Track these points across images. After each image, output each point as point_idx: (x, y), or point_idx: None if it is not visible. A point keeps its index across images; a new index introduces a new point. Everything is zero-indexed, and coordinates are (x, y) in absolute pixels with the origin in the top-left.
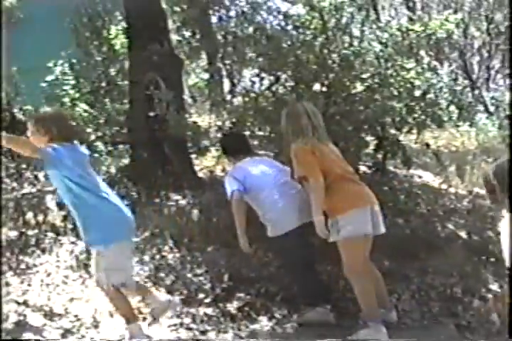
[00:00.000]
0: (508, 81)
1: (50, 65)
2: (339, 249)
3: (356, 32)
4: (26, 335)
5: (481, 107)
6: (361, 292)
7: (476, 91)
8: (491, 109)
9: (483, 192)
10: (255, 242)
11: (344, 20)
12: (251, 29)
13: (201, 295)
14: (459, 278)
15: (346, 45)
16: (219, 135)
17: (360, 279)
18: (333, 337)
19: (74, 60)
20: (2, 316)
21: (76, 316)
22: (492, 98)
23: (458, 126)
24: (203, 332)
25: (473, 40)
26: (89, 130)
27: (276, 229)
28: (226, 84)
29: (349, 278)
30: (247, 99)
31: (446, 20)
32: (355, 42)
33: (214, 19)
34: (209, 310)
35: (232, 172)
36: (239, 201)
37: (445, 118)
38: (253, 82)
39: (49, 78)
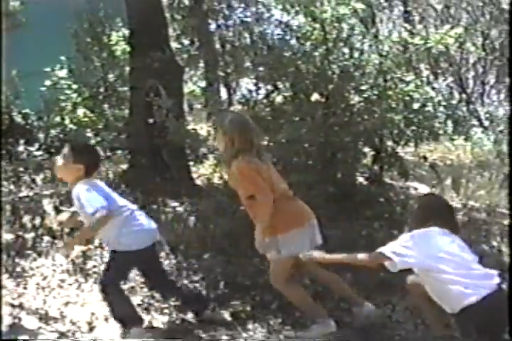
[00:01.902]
0: (502, 96)
1: (49, 69)
2: (272, 263)
3: (357, 44)
4: (21, 338)
5: (475, 122)
6: (294, 298)
7: (471, 106)
8: (486, 123)
9: (477, 205)
10: (252, 250)
11: (345, 32)
12: (250, 39)
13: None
14: None
15: (346, 56)
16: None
17: (288, 287)
18: None
19: (73, 65)
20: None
21: (71, 320)
22: (487, 113)
23: (453, 139)
24: (197, 340)
25: (468, 55)
26: (88, 135)
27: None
28: (223, 93)
29: (277, 288)
30: (245, 107)
31: (446, 34)
32: (356, 54)
33: (213, 28)
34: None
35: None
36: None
37: (441, 132)
38: (250, 91)
39: (48, 82)
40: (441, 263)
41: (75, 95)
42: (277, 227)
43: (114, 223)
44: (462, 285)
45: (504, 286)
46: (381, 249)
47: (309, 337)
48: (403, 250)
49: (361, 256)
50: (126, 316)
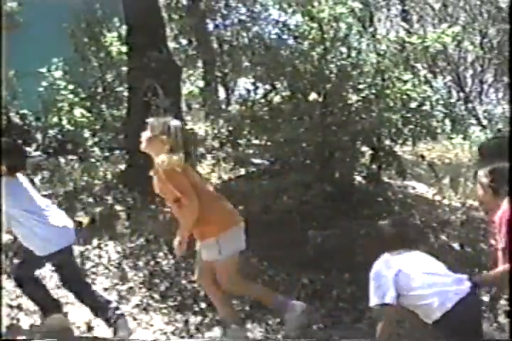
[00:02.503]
0: (500, 94)
1: (46, 70)
2: (217, 266)
3: (354, 43)
4: (19, 339)
5: (473, 120)
6: (250, 293)
7: (469, 105)
8: (484, 122)
9: (476, 204)
10: (249, 250)
11: (342, 31)
12: (248, 38)
13: (195, 302)
14: None
15: (344, 55)
16: (215, 143)
17: (246, 285)
18: None
19: (71, 66)
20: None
21: (70, 320)
22: (485, 111)
23: (451, 138)
24: (196, 339)
25: (466, 54)
26: (85, 135)
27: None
28: (221, 93)
29: (233, 291)
30: (243, 107)
31: (443, 33)
32: (353, 53)
33: (211, 28)
34: (202, 317)
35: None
36: None
37: (439, 131)
38: (248, 91)
39: (46, 83)
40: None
41: (71, 96)
42: (215, 228)
43: (27, 223)
44: (436, 296)
45: (476, 289)
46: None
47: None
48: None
49: None
50: (44, 304)
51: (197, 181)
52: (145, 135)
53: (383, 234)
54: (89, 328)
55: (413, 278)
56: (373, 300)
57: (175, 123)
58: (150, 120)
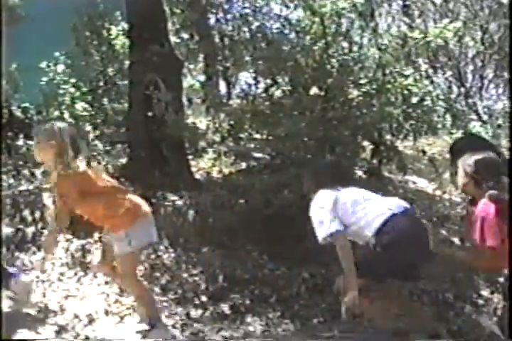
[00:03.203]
0: (501, 90)
1: (49, 63)
2: (119, 261)
3: (356, 38)
4: (20, 331)
5: (474, 116)
6: (139, 294)
7: (470, 100)
8: (484, 117)
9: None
10: (250, 244)
11: (344, 26)
12: (249, 33)
13: (196, 296)
14: (451, 284)
15: (345, 50)
16: (216, 137)
17: (138, 285)
18: (326, 338)
19: (72, 59)
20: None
21: (71, 313)
22: (485, 107)
23: (452, 133)
24: (196, 333)
25: (467, 50)
26: (87, 129)
27: None
28: (222, 87)
29: (130, 285)
30: (244, 101)
31: (445, 28)
32: (355, 48)
33: (212, 22)
34: (203, 311)
35: None
36: None
37: (439, 126)
38: (250, 85)
39: (47, 76)
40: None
41: (73, 89)
42: (124, 221)
43: None
44: (370, 218)
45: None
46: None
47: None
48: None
49: None
50: None
51: (98, 178)
52: (34, 144)
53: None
54: (91, 321)
55: (350, 206)
56: (321, 235)
57: (61, 125)
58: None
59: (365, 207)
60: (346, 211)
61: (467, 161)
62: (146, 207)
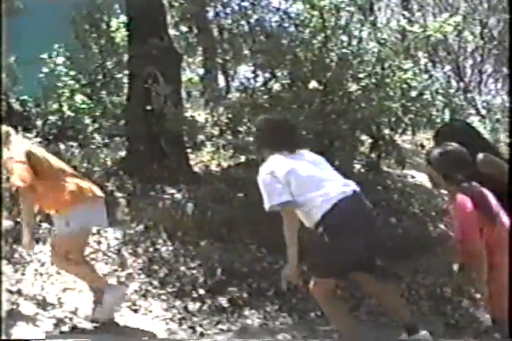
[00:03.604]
0: (500, 85)
1: (47, 56)
2: (56, 241)
3: (355, 31)
4: (19, 324)
5: (472, 110)
6: (82, 274)
7: (469, 95)
8: (483, 112)
9: None
10: (249, 238)
11: (343, 19)
12: (248, 26)
13: (194, 289)
14: (449, 278)
15: (345, 44)
16: (215, 130)
17: (83, 266)
18: (324, 331)
19: (71, 52)
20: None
21: (69, 306)
22: (484, 101)
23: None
24: (195, 326)
25: (466, 44)
26: (86, 122)
27: None
28: (221, 80)
29: (60, 266)
30: (243, 95)
31: (445, 22)
32: (354, 42)
33: (211, 15)
34: (201, 304)
35: None
36: None
37: (438, 120)
38: (248, 79)
39: (46, 69)
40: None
41: (72, 82)
42: (65, 202)
43: None
44: (319, 199)
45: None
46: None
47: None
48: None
49: None
50: None
51: (45, 160)
52: None
53: None
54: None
55: (303, 184)
56: (270, 202)
57: None
58: None
59: (317, 188)
60: (299, 188)
61: (432, 155)
62: (96, 192)
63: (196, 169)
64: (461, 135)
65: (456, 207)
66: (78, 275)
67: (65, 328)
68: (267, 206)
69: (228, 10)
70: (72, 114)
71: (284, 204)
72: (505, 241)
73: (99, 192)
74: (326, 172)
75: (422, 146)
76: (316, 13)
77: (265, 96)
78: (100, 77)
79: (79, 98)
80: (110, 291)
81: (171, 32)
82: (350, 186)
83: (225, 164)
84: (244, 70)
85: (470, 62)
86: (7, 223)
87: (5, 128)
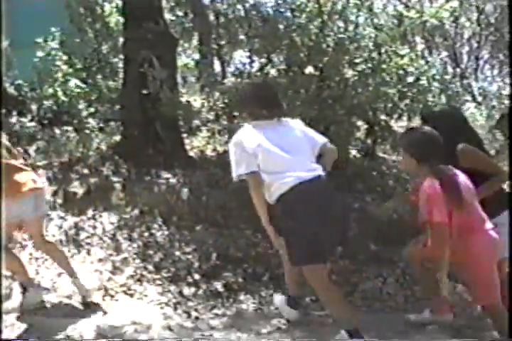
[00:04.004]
0: (496, 71)
1: (42, 40)
2: None
3: (352, 17)
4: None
5: (468, 97)
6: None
7: (465, 81)
8: (479, 98)
9: None
10: (244, 223)
11: (340, 4)
12: (244, 10)
13: (189, 274)
14: None
15: (341, 29)
16: (210, 115)
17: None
18: (319, 316)
19: (66, 36)
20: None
21: (64, 291)
22: (480, 88)
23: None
24: (189, 311)
25: (463, 30)
26: (81, 106)
27: None
28: (217, 65)
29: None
30: (239, 80)
31: (441, 8)
32: (350, 27)
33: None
34: (196, 289)
35: None
36: None
37: (434, 106)
38: (244, 64)
39: (41, 53)
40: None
41: (66, 66)
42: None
43: None
44: (281, 178)
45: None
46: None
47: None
48: None
49: None
50: None
51: None
52: None
53: None
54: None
55: (267, 158)
56: (238, 172)
57: None
58: None
59: (280, 168)
60: (264, 164)
61: (404, 138)
62: (24, 186)
63: (192, 154)
64: (446, 122)
65: (423, 189)
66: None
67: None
68: (234, 175)
69: None
70: (67, 99)
71: (250, 174)
72: (476, 224)
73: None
74: (294, 152)
75: None
76: None
77: None
78: (95, 61)
79: (74, 82)
80: (32, 291)
81: (167, 16)
82: (315, 171)
83: (220, 149)
84: (240, 55)
85: (466, 48)
86: None
87: None
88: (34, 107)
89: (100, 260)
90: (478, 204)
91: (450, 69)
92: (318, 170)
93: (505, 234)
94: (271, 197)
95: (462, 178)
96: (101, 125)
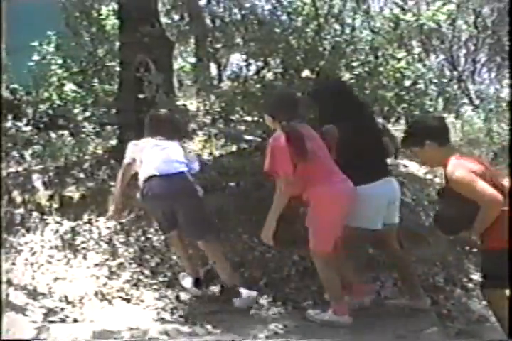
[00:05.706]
0: (493, 74)
1: (37, 43)
2: None
3: (348, 20)
4: (9, 314)
5: (466, 99)
6: None
7: (462, 84)
8: (476, 101)
9: None
10: (241, 227)
11: (336, 7)
12: (240, 14)
13: None
14: (442, 268)
15: (338, 32)
16: (207, 119)
17: None
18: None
19: (62, 40)
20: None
21: (60, 296)
22: (477, 91)
23: (443, 117)
24: (186, 315)
25: (460, 33)
26: (76, 110)
27: None
28: (213, 69)
29: None
30: (235, 83)
31: (438, 11)
32: (347, 30)
33: (203, 3)
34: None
35: None
36: None
37: (431, 109)
38: (241, 67)
39: (36, 57)
40: None
41: (61, 70)
42: None
43: None
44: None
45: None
46: None
47: None
48: None
49: None
50: None
51: None
52: None
53: None
54: (80, 303)
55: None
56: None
57: None
58: None
59: (148, 162)
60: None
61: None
62: None
63: None
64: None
65: (270, 141)
66: None
67: (55, 318)
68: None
69: None
70: (63, 103)
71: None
72: (322, 175)
73: None
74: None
75: None
76: (308, 1)
77: (258, 85)
78: (91, 65)
79: (69, 86)
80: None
81: (163, 20)
82: (178, 167)
83: (216, 153)
84: (237, 59)
85: (464, 51)
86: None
87: None
88: (29, 111)
89: (96, 265)
90: (327, 156)
91: (447, 73)
92: (182, 167)
93: None
94: None
95: (311, 133)
96: (97, 129)
